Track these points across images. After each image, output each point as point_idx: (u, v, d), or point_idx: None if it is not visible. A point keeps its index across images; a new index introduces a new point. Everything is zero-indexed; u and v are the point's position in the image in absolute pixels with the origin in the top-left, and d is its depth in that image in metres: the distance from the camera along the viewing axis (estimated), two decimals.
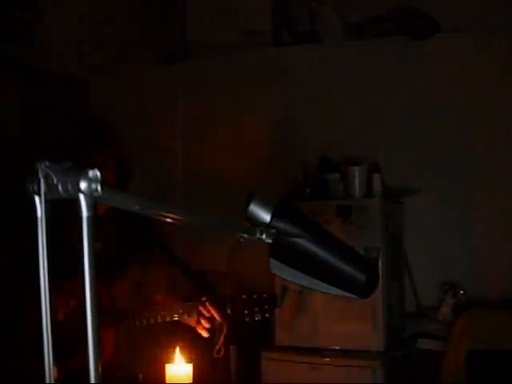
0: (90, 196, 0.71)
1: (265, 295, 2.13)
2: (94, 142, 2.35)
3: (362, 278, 1.04)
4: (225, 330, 2.19)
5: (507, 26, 3.49)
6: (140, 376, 2.34)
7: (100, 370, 0.71)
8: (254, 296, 2.12)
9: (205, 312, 2.12)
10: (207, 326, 2.14)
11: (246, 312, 2.11)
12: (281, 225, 1.03)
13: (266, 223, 1.02)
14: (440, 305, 3.38)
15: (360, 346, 3.23)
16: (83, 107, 3.94)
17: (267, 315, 2.13)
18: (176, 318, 2.14)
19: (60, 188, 0.72)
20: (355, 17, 3.91)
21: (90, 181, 0.71)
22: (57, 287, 1.62)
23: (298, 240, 1.03)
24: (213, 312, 2.12)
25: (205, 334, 2.16)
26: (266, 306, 2.12)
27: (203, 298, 2.14)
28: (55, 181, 0.73)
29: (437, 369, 3.05)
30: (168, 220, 0.87)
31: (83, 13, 3.75)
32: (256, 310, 2.11)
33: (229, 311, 2.13)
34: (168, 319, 2.14)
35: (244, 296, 2.12)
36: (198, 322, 2.15)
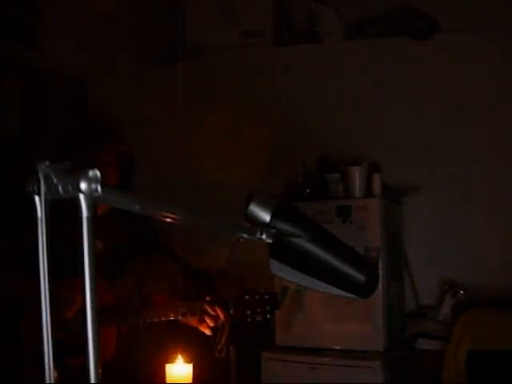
0: (89, 196, 0.71)
1: (267, 296, 2.13)
2: (96, 140, 2.36)
3: (361, 278, 1.04)
4: (226, 330, 2.19)
5: (507, 26, 3.48)
6: (140, 375, 2.34)
7: (100, 369, 0.71)
8: (257, 297, 2.12)
9: (210, 310, 2.12)
10: (211, 324, 2.13)
11: (247, 312, 2.11)
12: (281, 225, 1.03)
13: (265, 223, 1.02)
14: (440, 305, 3.38)
15: (360, 346, 3.23)
16: (83, 107, 3.94)
17: (268, 316, 2.13)
18: (180, 317, 2.14)
19: (60, 188, 0.72)
20: (355, 17, 3.91)
21: (89, 181, 0.71)
22: (67, 284, 1.62)
23: (298, 240, 1.03)
24: (218, 311, 2.12)
25: (208, 332, 2.16)
26: (268, 307, 2.12)
27: (207, 298, 2.14)
28: (55, 181, 0.73)
29: (437, 369, 3.05)
30: (168, 220, 0.87)
31: (83, 13, 3.74)
32: (258, 310, 2.10)
33: (231, 311, 2.13)
34: (172, 318, 2.14)
35: (246, 296, 2.12)
36: (202, 321, 2.14)
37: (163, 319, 2.13)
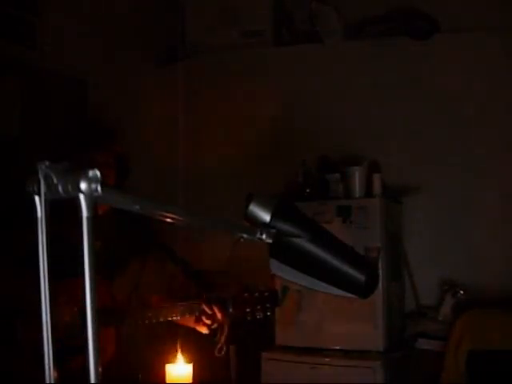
0: (89, 196, 0.71)
1: (266, 293, 2.13)
2: (96, 141, 2.36)
3: (361, 278, 1.04)
4: (226, 329, 2.18)
5: (507, 26, 3.48)
6: (140, 376, 2.34)
7: (100, 369, 0.71)
8: (256, 294, 2.11)
9: (207, 309, 2.11)
10: (208, 322, 2.13)
11: (247, 310, 2.10)
12: (281, 225, 1.03)
13: (266, 223, 1.03)
14: (440, 305, 3.38)
15: (360, 346, 3.23)
16: (83, 107, 3.94)
17: (268, 313, 2.12)
18: (178, 317, 2.14)
19: (60, 188, 0.72)
20: (355, 17, 3.91)
21: (89, 181, 0.71)
22: (66, 285, 1.62)
23: (298, 240, 1.03)
24: (215, 309, 2.11)
25: (205, 331, 2.15)
26: (268, 305, 2.11)
27: (205, 296, 2.14)
28: (55, 181, 0.73)
29: (437, 369, 3.05)
30: (168, 220, 0.87)
31: (83, 13, 3.74)
32: (258, 308, 2.10)
33: (230, 310, 2.12)
34: (170, 318, 2.13)
35: (246, 294, 2.11)
36: (199, 320, 2.14)
37: (162, 320, 2.13)
